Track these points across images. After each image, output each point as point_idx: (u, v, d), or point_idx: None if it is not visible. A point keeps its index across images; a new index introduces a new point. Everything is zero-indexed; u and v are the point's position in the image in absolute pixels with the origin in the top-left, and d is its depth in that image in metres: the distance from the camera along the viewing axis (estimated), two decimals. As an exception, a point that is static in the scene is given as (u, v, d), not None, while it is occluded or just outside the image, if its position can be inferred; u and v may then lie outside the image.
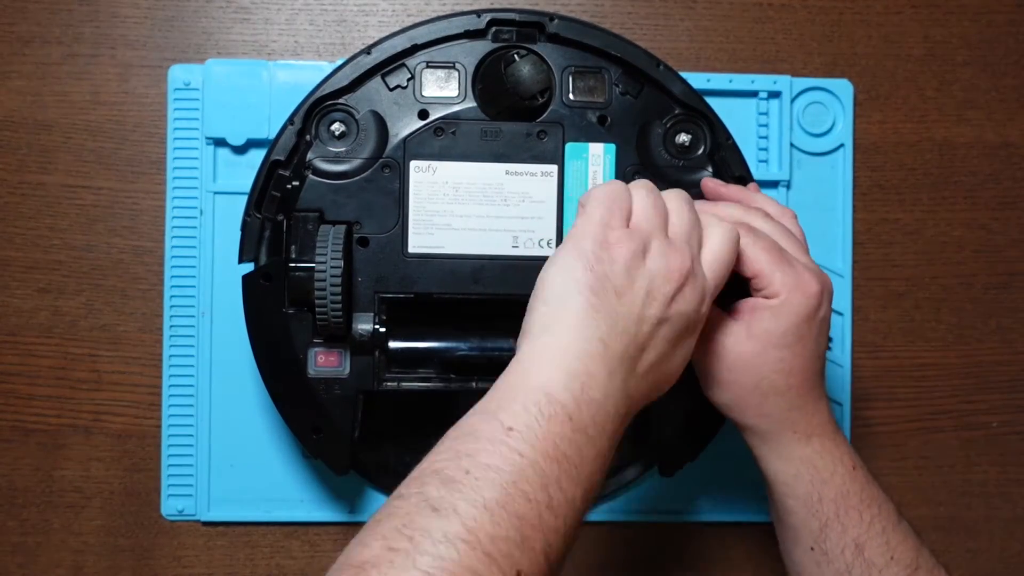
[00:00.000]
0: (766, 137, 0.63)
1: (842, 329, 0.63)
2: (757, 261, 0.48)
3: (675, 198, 0.47)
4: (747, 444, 0.52)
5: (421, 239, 0.55)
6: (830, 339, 0.54)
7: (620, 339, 0.42)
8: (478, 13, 0.56)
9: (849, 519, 0.49)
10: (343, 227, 0.54)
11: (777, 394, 0.49)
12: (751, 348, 0.48)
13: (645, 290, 0.43)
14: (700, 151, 0.57)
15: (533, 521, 0.37)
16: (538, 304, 0.44)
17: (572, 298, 0.43)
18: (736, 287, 0.50)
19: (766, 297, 0.49)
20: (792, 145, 0.63)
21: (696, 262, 0.45)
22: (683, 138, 0.57)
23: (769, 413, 0.50)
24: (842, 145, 0.63)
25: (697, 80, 0.60)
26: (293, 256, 0.54)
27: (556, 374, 0.41)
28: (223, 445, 0.61)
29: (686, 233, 0.46)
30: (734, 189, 0.54)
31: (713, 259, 0.46)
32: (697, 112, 0.57)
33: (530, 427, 0.39)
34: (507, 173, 0.56)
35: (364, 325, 0.55)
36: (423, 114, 0.55)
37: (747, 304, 0.49)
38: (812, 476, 0.49)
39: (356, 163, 0.55)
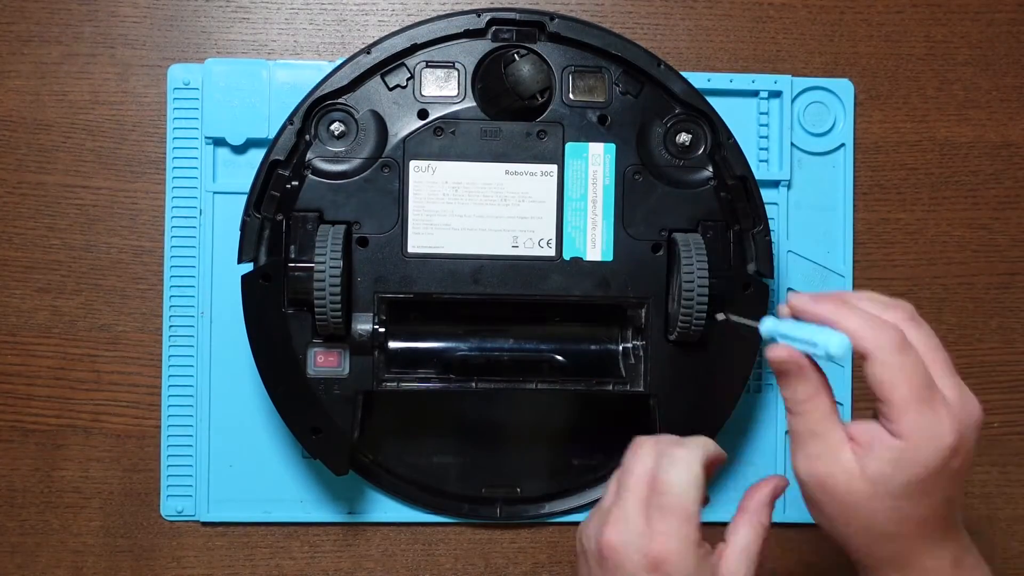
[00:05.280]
0: (767, 137, 0.63)
1: (843, 329, 0.63)
2: (893, 388, 0.41)
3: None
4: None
5: (421, 239, 0.55)
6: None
7: None
8: (478, 12, 0.56)
9: None
10: (342, 227, 0.54)
11: (887, 540, 0.43)
12: (863, 489, 0.42)
13: None
14: (700, 151, 0.57)
15: None
16: None
17: None
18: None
19: (890, 432, 0.41)
20: (793, 145, 0.63)
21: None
22: (683, 138, 0.57)
23: (874, 554, 0.43)
24: (843, 145, 0.63)
25: (698, 80, 0.60)
26: (292, 256, 0.54)
27: None
28: (222, 445, 0.61)
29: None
30: (827, 299, 0.44)
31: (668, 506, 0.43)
32: (698, 111, 0.57)
33: None
34: (507, 173, 0.55)
35: (363, 325, 0.55)
36: (423, 114, 0.55)
37: (867, 432, 0.42)
38: None
39: (355, 163, 0.55)
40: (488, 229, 0.56)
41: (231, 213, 0.59)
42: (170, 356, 0.61)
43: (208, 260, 0.60)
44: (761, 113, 0.63)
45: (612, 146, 0.56)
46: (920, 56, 0.65)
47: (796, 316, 0.44)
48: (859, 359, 0.42)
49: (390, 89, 0.56)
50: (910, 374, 0.41)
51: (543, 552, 0.63)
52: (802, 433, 0.43)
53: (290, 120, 0.55)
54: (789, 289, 0.47)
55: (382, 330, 0.55)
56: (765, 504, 0.46)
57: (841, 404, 0.63)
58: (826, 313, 0.43)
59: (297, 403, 0.55)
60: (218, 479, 0.61)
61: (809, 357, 0.43)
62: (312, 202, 0.55)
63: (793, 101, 0.63)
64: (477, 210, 0.55)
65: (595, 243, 0.56)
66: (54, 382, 0.61)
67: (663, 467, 0.44)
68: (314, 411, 0.55)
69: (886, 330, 0.41)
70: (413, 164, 0.55)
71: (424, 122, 0.55)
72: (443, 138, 0.55)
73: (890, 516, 0.42)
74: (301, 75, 0.60)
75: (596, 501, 0.62)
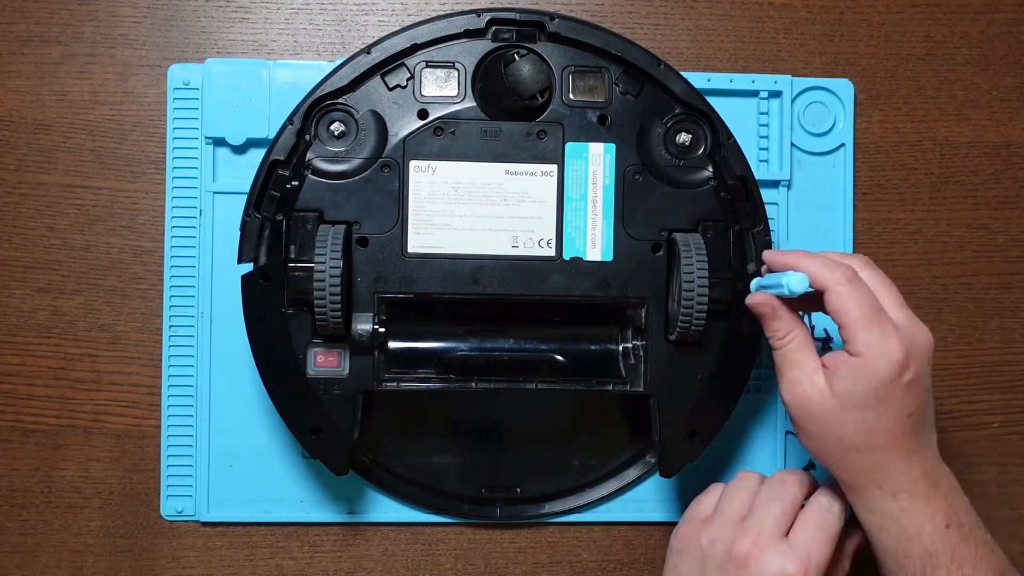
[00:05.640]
0: (767, 137, 0.63)
1: (843, 329, 0.63)
2: (845, 313, 0.48)
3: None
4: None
5: (420, 239, 0.55)
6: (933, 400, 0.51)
7: None
8: (478, 12, 0.56)
9: None
10: (342, 227, 0.54)
11: (858, 452, 0.49)
12: (831, 405, 0.49)
13: None
14: (700, 151, 0.57)
15: None
16: None
17: None
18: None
19: (849, 353, 0.48)
20: (793, 145, 0.63)
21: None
22: (683, 138, 0.57)
23: (851, 468, 0.49)
24: (843, 145, 0.63)
25: (698, 80, 0.60)
26: (292, 256, 0.54)
27: None
28: (222, 445, 0.61)
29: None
30: (792, 251, 0.52)
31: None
32: (698, 111, 0.57)
33: None
34: (507, 173, 0.55)
35: (363, 325, 0.55)
36: (423, 114, 0.55)
37: (833, 358, 0.49)
38: (897, 531, 0.49)
39: (355, 163, 0.55)
40: (488, 229, 0.56)
41: (231, 213, 0.59)
42: (170, 356, 0.61)
43: (208, 260, 0.60)
44: (761, 113, 0.63)
45: (612, 146, 0.56)
46: (920, 56, 0.65)
47: (771, 269, 0.53)
48: (819, 296, 0.49)
49: (390, 89, 0.56)
50: (860, 301, 0.48)
51: (543, 552, 0.63)
52: (783, 363, 0.51)
53: (290, 120, 0.55)
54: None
55: (382, 330, 0.55)
56: (848, 555, 0.53)
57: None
58: (789, 259, 0.51)
59: (297, 403, 0.55)
60: (218, 479, 0.61)
61: (782, 299, 0.51)
62: (312, 202, 0.55)
63: (793, 101, 0.63)
64: (477, 210, 0.55)
65: (595, 243, 0.56)
66: (54, 382, 0.61)
67: (825, 493, 0.52)
68: (314, 411, 0.55)
69: (838, 267, 0.49)
70: (413, 164, 0.55)
71: (424, 122, 0.55)
72: (443, 138, 0.55)
73: (858, 427, 0.48)
74: (301, 75, 0.60)
75: (596, 501, 0.62)
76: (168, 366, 0.61)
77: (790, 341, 0.50)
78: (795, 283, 0.49)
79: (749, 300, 0.52)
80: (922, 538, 0.48)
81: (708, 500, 0.54)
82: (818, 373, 0.49)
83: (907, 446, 0.49)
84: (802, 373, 0.50)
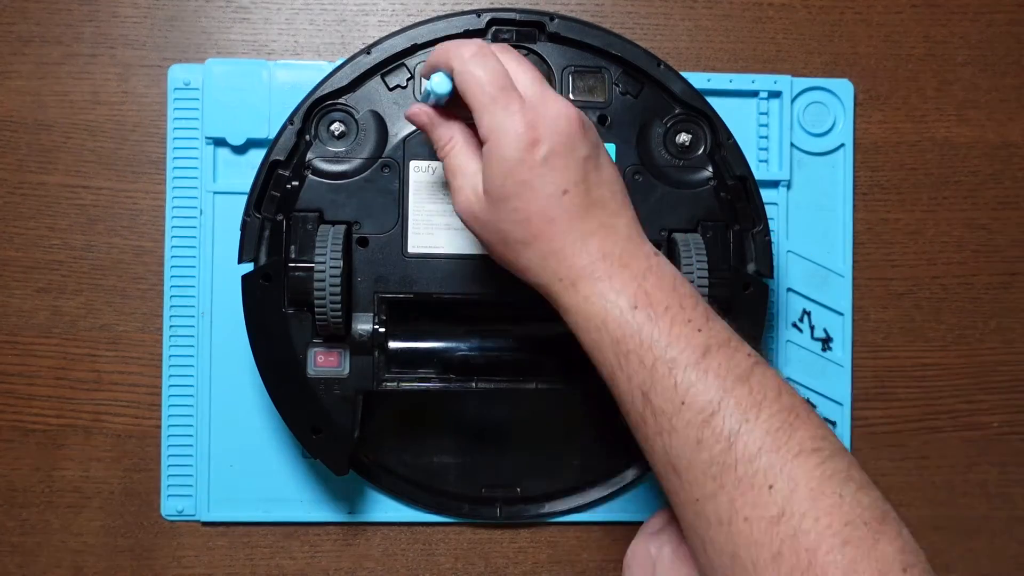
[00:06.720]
0: (766, 137, 0.63)
1: (843, 329, 0.63)
2: (471, 96, 0.44)
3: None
4: None
5: (421, 239, 0.55)
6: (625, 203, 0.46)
7: None
8: (478, 13, 0.56)
9: (630, 365, 0.42)
10: (343, 227, 0.54)
11: (525, 245, 0.44)
12: (483, 202, 0.45)
13: None
14: (700, 151, 0.57)
15: None
16: None
17: None
18: None
19: (483, 142, 0.44)
20: (792, 145, 0.63)
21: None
22: (683, 138, 0.57)
23: (529, 267, 0.44)
24: (842, 145, 0.63)
25: (697, 80, 0.60)
26: (292, 256, 0.54)
27: None
28: (223, 445, 0.61)
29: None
30: (437, 49, 0.47)
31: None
32: (697, 112, 0.57)
33: None
34: (507, 173, 0.55)
35: (364, 325, 0.55)
36: (423, 114, 0.55)
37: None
38: (586, 325, 0.43)
39: (356, 163, 0.55)
40: (488, 229, 0.56)
41: (231, 213, 0.59)
42: (170, 356, 0.61)
43: (208, 260, 0.60)
44: (761, 113, 0.63)
45: (612, 146, 0.56)
46: (920, 56, 0.65)
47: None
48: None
49: (390, 89, 0.56)
50: (482, 80, 0.43)
51: (543, 552, 0.63)
52: (448, 173, 0.47)
53: (290, 120, 0.55)
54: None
55: (382, 330, 0.55)
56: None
57: (840, 403, 0.63)
58: (433, 59, 0.46)
59: (297, 403, 0.55)
60: (218, 479, 0.61)
61: (440, 108, 0.47)
62: (312, 202, 0.55)
63: (793, 101, 0.63)
64: (477, 210, 0.55)
65: (595, 243, 0.56)
66: (54, 382, 0.61)
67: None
68: (314, 411, 0.55)
69: (465, 45, 0.44)
70: (413, 164, 0.55)
71: (424, 122, 0.55)
72: (443, 138, 0.55)
73: (513, 218, 0.44)
74: (301, 75, 0.60)
75: (595, 501, 0.62)
76: (168, 366, 0.61)
77: (452, 147, 0.46)
78: (437, 84, 0.45)
79: (406, 113, 0.48)
80: (608, 325, 0.42)
81: (655, 518, 0.53)
82: (479, 175, 0.45)
83: (577, 228, 0.44)
84: (464, 179, 0.45)
